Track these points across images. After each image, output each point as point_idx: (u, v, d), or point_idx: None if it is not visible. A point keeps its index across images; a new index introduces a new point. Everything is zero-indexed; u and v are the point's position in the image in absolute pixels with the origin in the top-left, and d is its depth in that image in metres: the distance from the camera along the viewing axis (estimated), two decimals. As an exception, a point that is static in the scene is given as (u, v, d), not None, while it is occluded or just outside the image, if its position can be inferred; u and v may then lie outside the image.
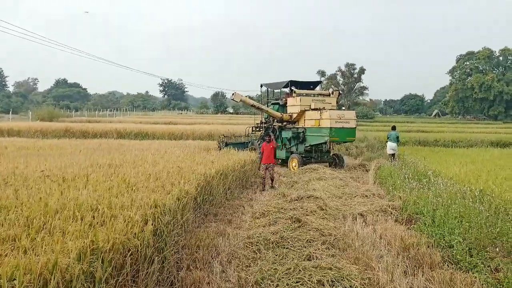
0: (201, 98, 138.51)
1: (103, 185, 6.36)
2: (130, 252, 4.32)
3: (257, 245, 6.39)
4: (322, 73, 74.19)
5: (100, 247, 3.88)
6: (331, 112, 15.64)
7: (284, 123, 17.79)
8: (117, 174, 7.50)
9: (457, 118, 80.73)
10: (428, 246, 6.42)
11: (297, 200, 9.40)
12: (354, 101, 74.17)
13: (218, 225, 7.82)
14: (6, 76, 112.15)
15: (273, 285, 4.90)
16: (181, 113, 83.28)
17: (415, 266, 5.81)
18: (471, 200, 7.58)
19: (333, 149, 18.16)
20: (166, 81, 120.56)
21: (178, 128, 30.39)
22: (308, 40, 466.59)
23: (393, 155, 16.75)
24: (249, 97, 21.76)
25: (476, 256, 5.88)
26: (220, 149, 16.31)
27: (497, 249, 6.03)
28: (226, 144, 18.43)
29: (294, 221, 7.53)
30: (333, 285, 4.85)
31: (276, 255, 5.91)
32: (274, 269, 5.26)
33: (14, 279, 3.19)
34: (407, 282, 5.17)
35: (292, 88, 18.13)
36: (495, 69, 77.79)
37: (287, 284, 4.87)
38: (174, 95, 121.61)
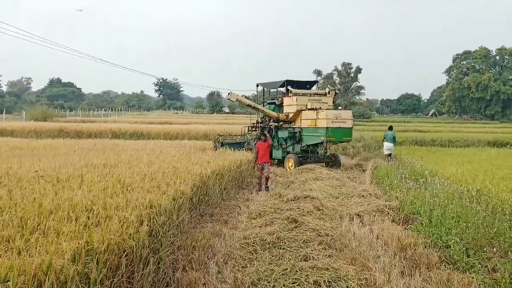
0: (197, 98, 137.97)
1: (98, 185, 6.31)
2: (125, 253, 4.28)
3: (253, 245, 6.35)
4: (318, 73, 74.28)
5: (95, 248, 3.85)
6: (327, 112, 15.62)
7: (280, 123, 17.74)
8: (112, 175, 7.45)
9: (454, 117, 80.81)
10: (425, 246, 6.42)
11: (293, 200, 9.38)
12: (351, 100, 74.15)
13: (214, 225, 7.78)
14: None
15: (269, 285, 4.87)
16: (177, 113, 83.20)
17: (412, 266, 5.80)
18: (468, 200, 7.60)
19: (329, 149, 18.15)
20: (161, 80, 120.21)
21: (173, 128, 30.24)
22: (308, 40, 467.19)
23: (389, 155, 16.78)
24: (245, 97, 21.68)
25: (473, 256, 5.88)
26: (216, 149, 16.26)
27: (494, 249, 6.04)
28: (222, 144, 18.37)
29: (291, 222, 7.50)
30: (330, 286, 4.82)
31: (272, 256, 5.88)
32: (270, 270, 5.23)
33: (8, 281, 3.17)
34: (404, 282, 5.15)
35: (288, 87, 18.10)
36: (492, 68, 77.91)
37: (284, 285, 4.84)
38: (170, 94, 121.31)
